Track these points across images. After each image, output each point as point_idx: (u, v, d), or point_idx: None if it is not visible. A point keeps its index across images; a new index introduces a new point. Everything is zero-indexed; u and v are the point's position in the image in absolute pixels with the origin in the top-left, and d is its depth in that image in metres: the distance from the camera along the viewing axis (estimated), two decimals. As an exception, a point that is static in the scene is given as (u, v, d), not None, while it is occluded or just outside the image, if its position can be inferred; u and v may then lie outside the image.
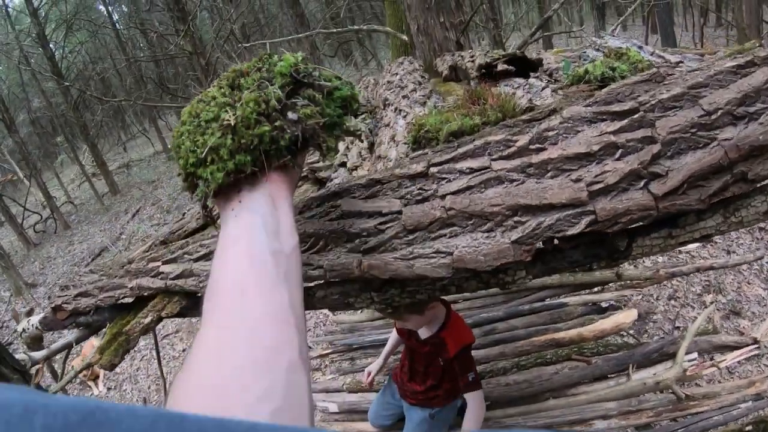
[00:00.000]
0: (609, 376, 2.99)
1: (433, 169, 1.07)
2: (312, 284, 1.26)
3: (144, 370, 7.02)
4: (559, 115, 1.08)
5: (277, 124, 0.75)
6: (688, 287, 4.72)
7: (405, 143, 1.36)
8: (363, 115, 2.27)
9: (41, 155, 24.31)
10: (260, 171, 0.73)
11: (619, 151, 1.01)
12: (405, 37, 4.13)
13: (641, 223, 1.18)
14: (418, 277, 0.99)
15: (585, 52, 2.46)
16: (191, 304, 1.50)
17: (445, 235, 1.01)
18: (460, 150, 1.09)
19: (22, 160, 17.41)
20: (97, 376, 7.04)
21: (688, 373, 2.72)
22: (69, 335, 2.13)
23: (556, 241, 1.10)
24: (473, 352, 3.37)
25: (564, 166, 1.00)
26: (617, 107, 1.06)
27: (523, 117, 1.14)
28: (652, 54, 2.10)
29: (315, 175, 1.55)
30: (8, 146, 19.01)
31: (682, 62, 1.93)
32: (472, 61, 2.34)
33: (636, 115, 1.04)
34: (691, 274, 4.58)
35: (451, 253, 0.97)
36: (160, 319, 1.55)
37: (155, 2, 10.43)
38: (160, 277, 1.53)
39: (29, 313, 2.18)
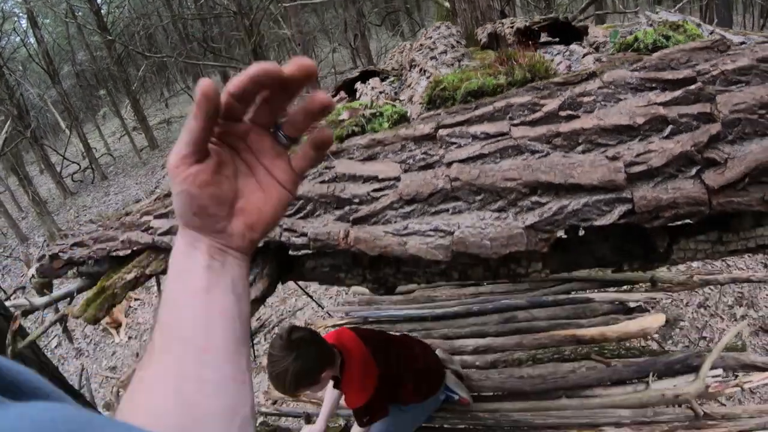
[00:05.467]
0: (627, 381, 2.82)
1: (442, 132, 0.92)
2: (301, 253, 1.13)
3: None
4: (599, 78, 0.91)
5: None
6: (719, 297, 4.46)
7: (420, 103, 1.20)
8: (391, 79, 2.11)
9: (84, 107, 24.78)
10: None
11: (669, 127, 0.83)
12: (447, 4, 3.90)
13: (687, 221, 1.00)
14: (411, 258, 0.84)
15: (637, 27, 2.23)
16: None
17: (447, 210, 0.85)
18: (477, 112, 0.93)
19: (65, 110, 17.79)
20: (120, 325, 7.17)
21: (710, 390, 2.52)
22: (72, 285, 2.09)
23: (581, 231, 0.94)
24: (490, 340, 3.24)
25: (599, 140, 0.83)
26: (670, 75, 0.88)
27: (556, 80, 0.96)
28: (711, 33, 1.87)
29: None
30: (52, 97, 19.43)
31: (745, 43, 1.69)
32: (512, 26, 2.15)
33: (693, 86, 0.85)
34: (725, 285, 4.33)
35: (451, 233, 0.82)
36: (146, 277, 1.46)
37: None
38: (149, 232, 1.43)
39: (41, 259, 2.17)
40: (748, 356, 2.79)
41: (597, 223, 0.79)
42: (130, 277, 1.35)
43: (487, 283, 3.88)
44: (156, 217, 1.42)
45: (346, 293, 5.44)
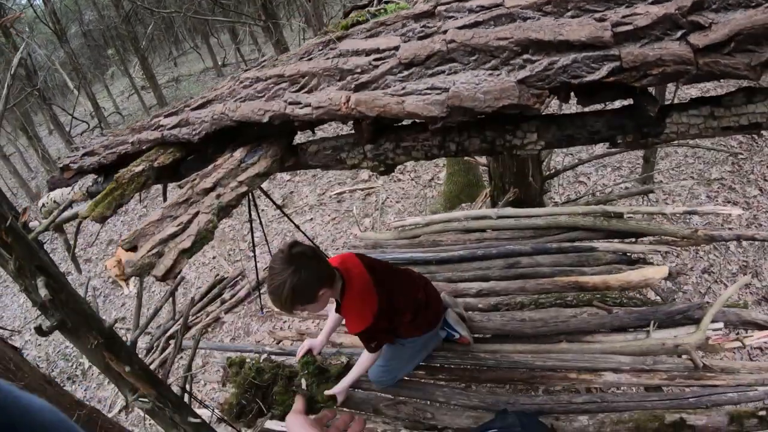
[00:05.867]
0: (628, 329, 2.86)
1: (440, 8, 0.96)
2: (304, 140, 1.19)
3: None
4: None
5: None
6: (724, 264, 4.49)
7: (424, 1, 1.24)
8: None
9: (92, 67, 24.78)
10: None
11: (655, -4, 0.87)
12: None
13: (679, 102, 1.04)
14: (408, 116, 0.89)
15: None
16: (185, 158, 1.45)
17: (443, 71, 0.90)
18: (475, -9, 0.98)
19: (73, 71, 17.75)
20: (129, 277, 7.33)
21: (710, 342, 2.55)
22: (79, 207, 2.15)
23: (573, 98, 0.98)
24: (493, 283, 3.29)
25: (587, 6, 0.87)
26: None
27: (552, -35, 1.00)
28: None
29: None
30: (60, 57, 19.38)
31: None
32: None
33: (677, -39, 0.89)
34: (730, 251, 4.35)
35: (446, 89, 0.87)
36: (155, 174, 1.51)
37: None
38: (159, 129, 1.49)
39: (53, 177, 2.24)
40: (750, 313, 2.80)
41: (587, 79, 0.83)
42: (138, 169, 1.39)
43: (491, 230, 3.92)
44: (166, 116, 1.48)
45: (354, 236, 5.47)
